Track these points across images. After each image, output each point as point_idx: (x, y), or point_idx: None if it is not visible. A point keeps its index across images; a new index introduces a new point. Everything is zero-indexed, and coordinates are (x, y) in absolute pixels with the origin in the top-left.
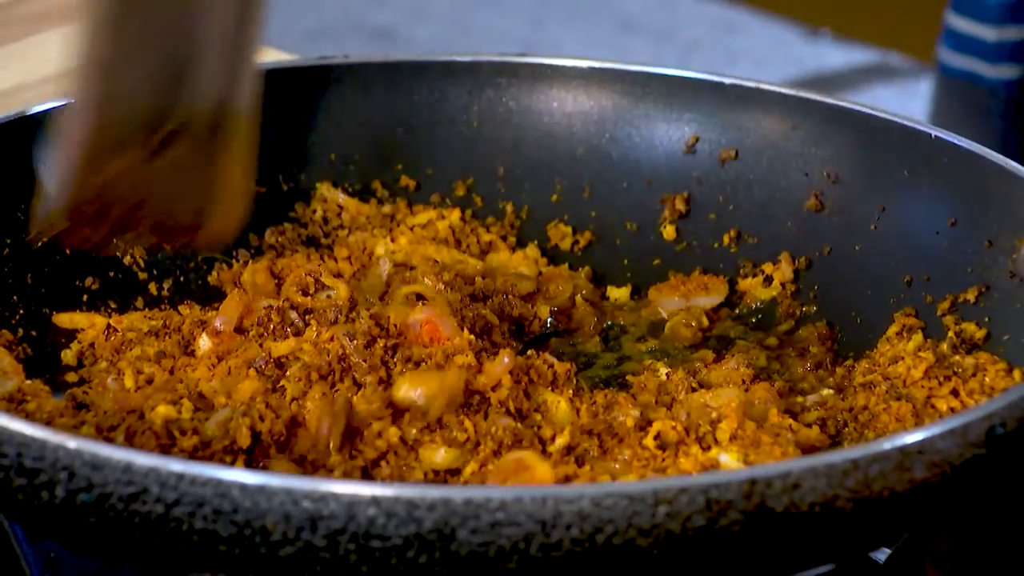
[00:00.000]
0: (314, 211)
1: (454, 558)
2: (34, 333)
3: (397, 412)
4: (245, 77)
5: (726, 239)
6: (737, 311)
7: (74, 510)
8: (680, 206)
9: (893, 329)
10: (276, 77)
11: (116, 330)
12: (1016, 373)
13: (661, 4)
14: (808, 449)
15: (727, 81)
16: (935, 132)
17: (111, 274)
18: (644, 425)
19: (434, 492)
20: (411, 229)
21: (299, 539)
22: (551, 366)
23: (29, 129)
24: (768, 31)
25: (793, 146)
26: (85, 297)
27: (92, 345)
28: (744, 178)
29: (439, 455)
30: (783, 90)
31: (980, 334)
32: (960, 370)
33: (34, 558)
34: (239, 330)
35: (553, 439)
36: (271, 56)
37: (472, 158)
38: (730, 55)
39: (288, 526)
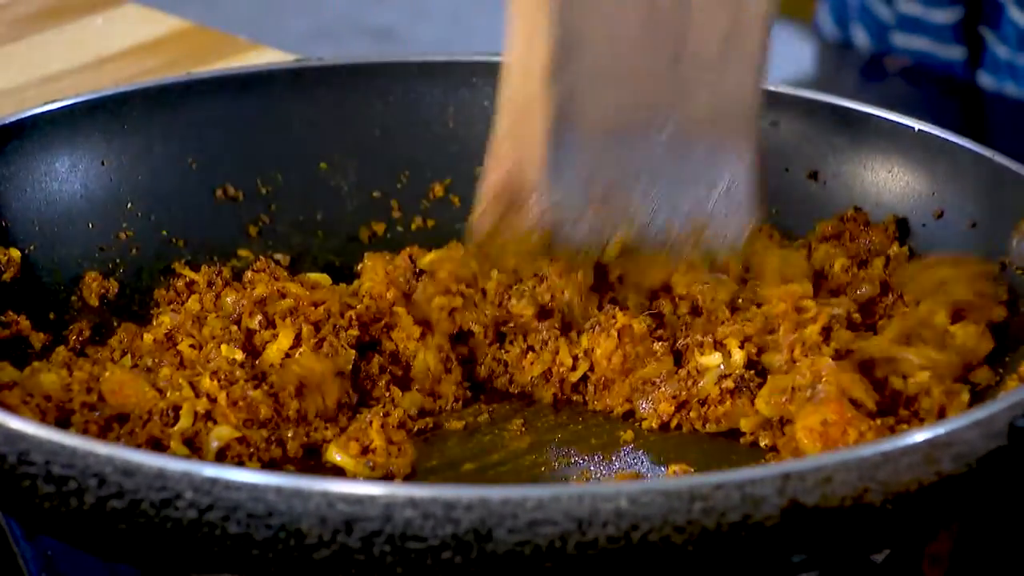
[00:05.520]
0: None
1: (490, 558)
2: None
3: None
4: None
5: None
6: None
7: (104, 517)
8: None
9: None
10: (249, 81)
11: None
12: None
13: None
14: None
15: None
16: (918, 126)
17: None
18: None
19: (471, 492)
20: None
21: (335, 542)
22: None
23: (29, 130)
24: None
25: (775, 143)
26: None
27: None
28: None
29: None
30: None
31: None
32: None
33: (32, 556)
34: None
35: None
36: (270, 56)
37: (449, 159)
38: None
39: (323, 529)
